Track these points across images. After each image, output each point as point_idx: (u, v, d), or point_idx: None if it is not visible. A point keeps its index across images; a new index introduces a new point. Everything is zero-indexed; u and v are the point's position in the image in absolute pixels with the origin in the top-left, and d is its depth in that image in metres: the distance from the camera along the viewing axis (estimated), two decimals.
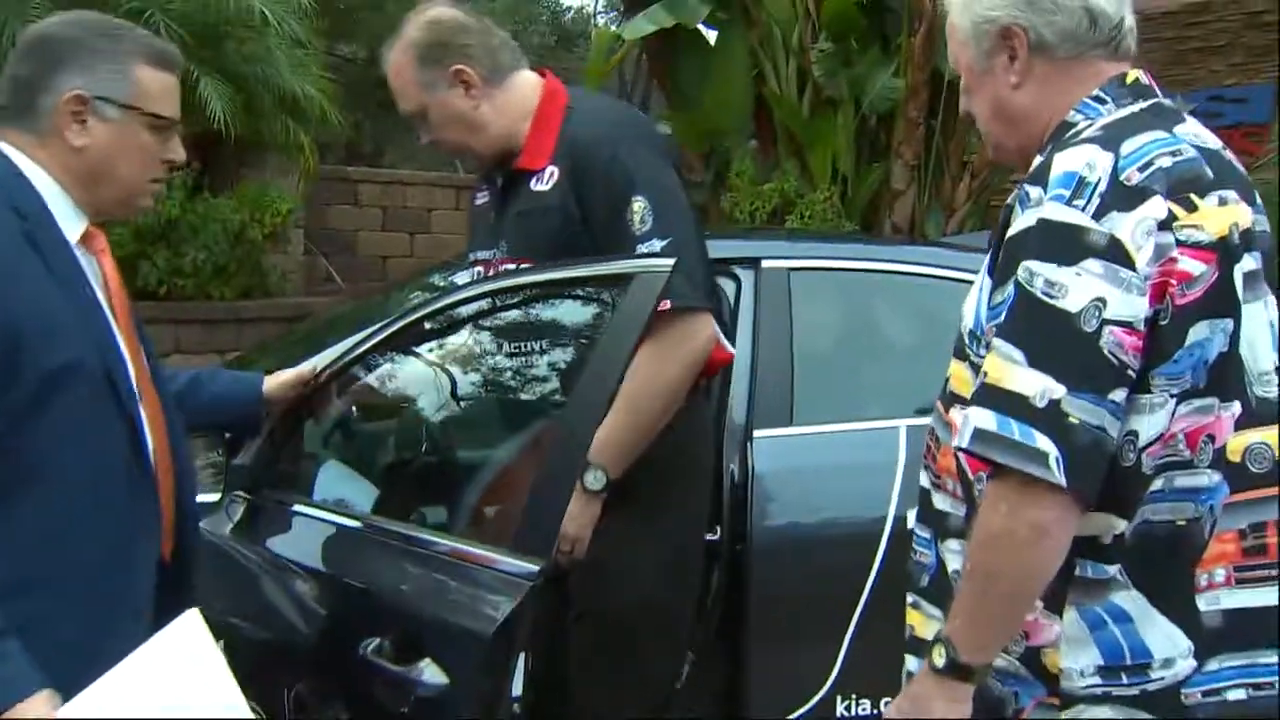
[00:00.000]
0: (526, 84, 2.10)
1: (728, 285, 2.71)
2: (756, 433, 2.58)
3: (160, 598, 1.61)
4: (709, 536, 2.52)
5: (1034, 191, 1.36)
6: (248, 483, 2.11)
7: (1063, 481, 1.27)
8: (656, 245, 1.91)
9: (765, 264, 2.73)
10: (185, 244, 6.10)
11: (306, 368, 2.10)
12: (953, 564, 1.47)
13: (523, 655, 1.53)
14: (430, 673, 1.50)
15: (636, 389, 1.89)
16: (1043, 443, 1.27)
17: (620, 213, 1.95)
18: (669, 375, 1.98)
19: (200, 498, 2.15)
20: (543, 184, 2.02)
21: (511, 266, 2.03)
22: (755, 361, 2.64)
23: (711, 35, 9.11)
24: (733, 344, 2.65)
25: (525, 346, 2.01)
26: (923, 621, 1.52)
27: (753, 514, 2.51)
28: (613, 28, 9.49)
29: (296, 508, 2.02)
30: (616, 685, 2.14)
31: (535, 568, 1.51)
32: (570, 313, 1.95)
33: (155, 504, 1.58)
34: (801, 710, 2.56)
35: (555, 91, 2.11)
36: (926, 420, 2.21)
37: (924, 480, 1.55)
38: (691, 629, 2.55)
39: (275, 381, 2.07)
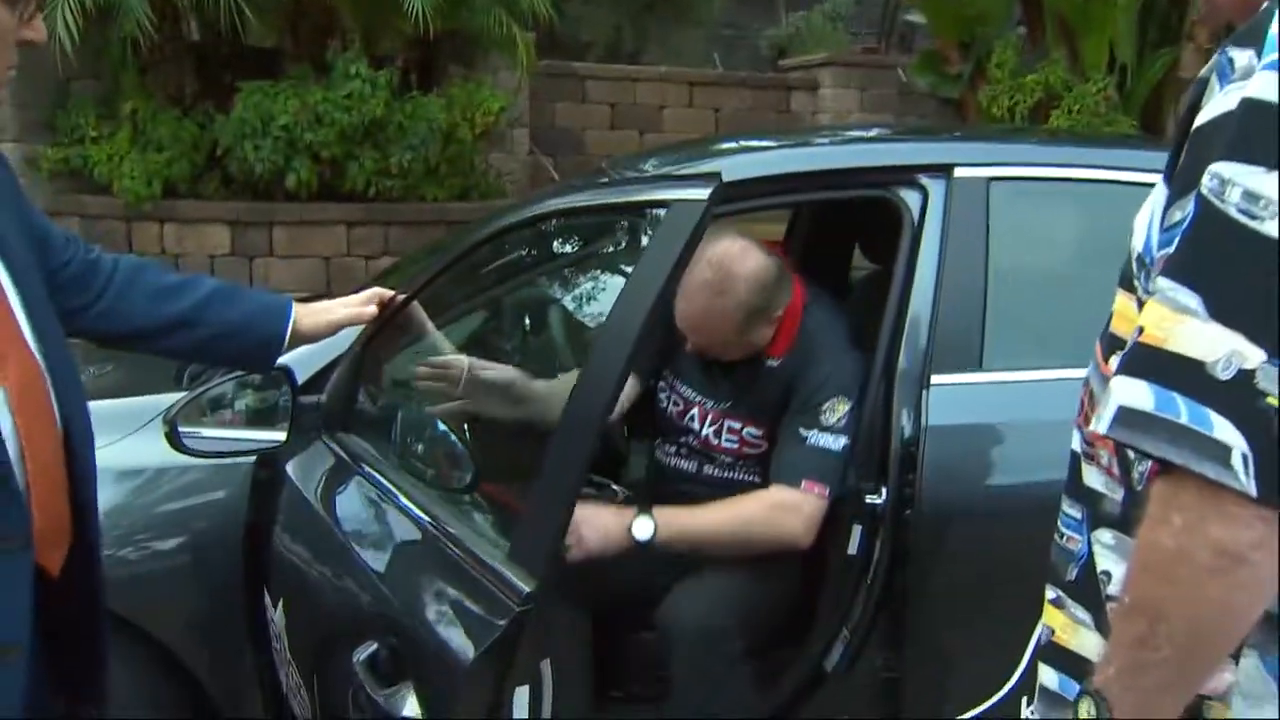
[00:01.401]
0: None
1: (911, 197, 2.28)
2: (935, 378, 2.16)
3: (55, 620, 1.32)
4: (873, 498, 2.16)
5: (1240, 56, 0.92)
6: (320, 424, 1.90)
7: (1251, 489, 0.86)
8: (840, 442, 2.18)
9: (959, 172, 2.27)
10: (392, 145, 6.05)
11: (363, 305, 1.80)
12: (1103, 562, 1.12)
13: (527, 689, 1.23)
14: (408, 704, 1.23)
15: (740, 523, 2.17)
16: (1223, 431, 0.87)
17: (821, 404, 2.20)
18: (768, 536, 2.17)
19: (262, 435, 2.00)
20: (774, 361, 2.29)
21: (736, 424, 2.33)
22: (939, 293, 2.21)
23: None
24: (914, 267, 2.24)
25: (559, 279, 1.73)
26: (1067, 625, 1.18)
27: (923, 475, 2.11)
28: None
29: (362, 464, 1.78)
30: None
31: (527, 588, 1.21)
32: (603, 244, 1.61)
33: (18, 506, 1.25)
34: (977, 710, 2.17)
35: (800, 292, 2.32)
36: None
37: (1075, 443, 1.19)
38: (846, 607, 2.22)
39: (316, 320, 1.73)
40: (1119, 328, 1.12)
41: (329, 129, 5.81)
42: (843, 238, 2.45)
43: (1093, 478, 1.15)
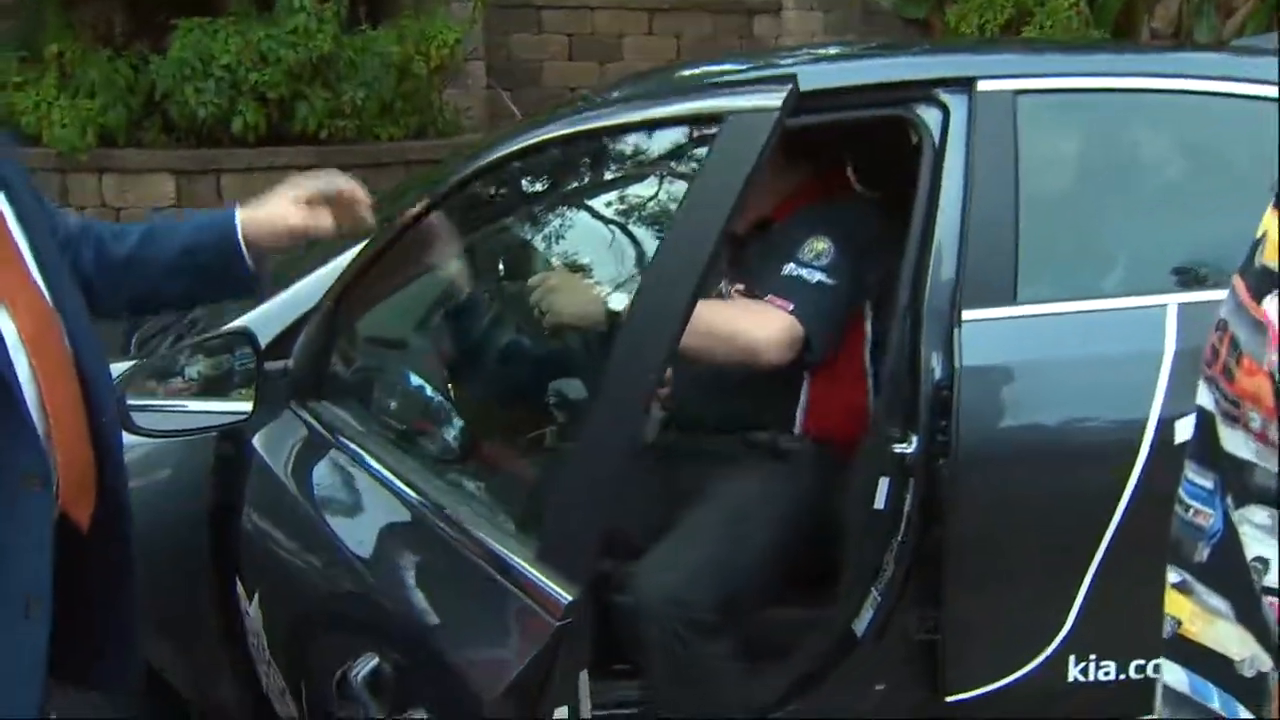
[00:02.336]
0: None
1: (930, 115, 2.09)
2: (966, 314, 1.98)
3: (83, 575, 1.25)
4: (901, 448, 1.98)
5: None
6: (290, 392, 1.69)
7: None
8: (815, 276, 2.14)
9: (982, 85, 2.08)
10: (343, 82, 5.73)
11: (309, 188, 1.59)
12: (1255, 546, 0.95)
13: (566, 708, 1.04)
14: None
15: (713, 319, 1.98)
16: None
17: (799, 245, 2.18)
18: (735, 335, 2.09)
19: (230, 406, 1.78)
20: (776, 225, 2.30)
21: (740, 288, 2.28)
22: (966, 220, 2.02)
23: None
24: (937, 193, 2.05)
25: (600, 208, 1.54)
26: (1197, 614, 1.01)
27: (958, 420, 1.94)
28: None
29: (340, 436, 1.57)
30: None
31: (568, 598, 1.01)
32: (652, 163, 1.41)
33: (37, 454, 1.20)
34: (1019, 673, 2.02)
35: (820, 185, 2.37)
36: (1203, 296, 1.60)
37: (1204, 398, 1.01)
38: (874, 567, 2.06)
39: (266, 226, 1.52)
40: (1274, 259, 0.93)
41: (275, 68, 5.48)
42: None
43: (1235, 442, 0.96)
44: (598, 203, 1.48)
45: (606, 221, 1.50)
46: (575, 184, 1.50)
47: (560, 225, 1.58)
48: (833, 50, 2.59)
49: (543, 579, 1.04)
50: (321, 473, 1.59)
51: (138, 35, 6.00)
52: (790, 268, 2.16)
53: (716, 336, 2.06)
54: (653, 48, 9.27)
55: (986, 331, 1.99)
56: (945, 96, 2.09)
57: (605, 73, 9.02)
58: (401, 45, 6.00)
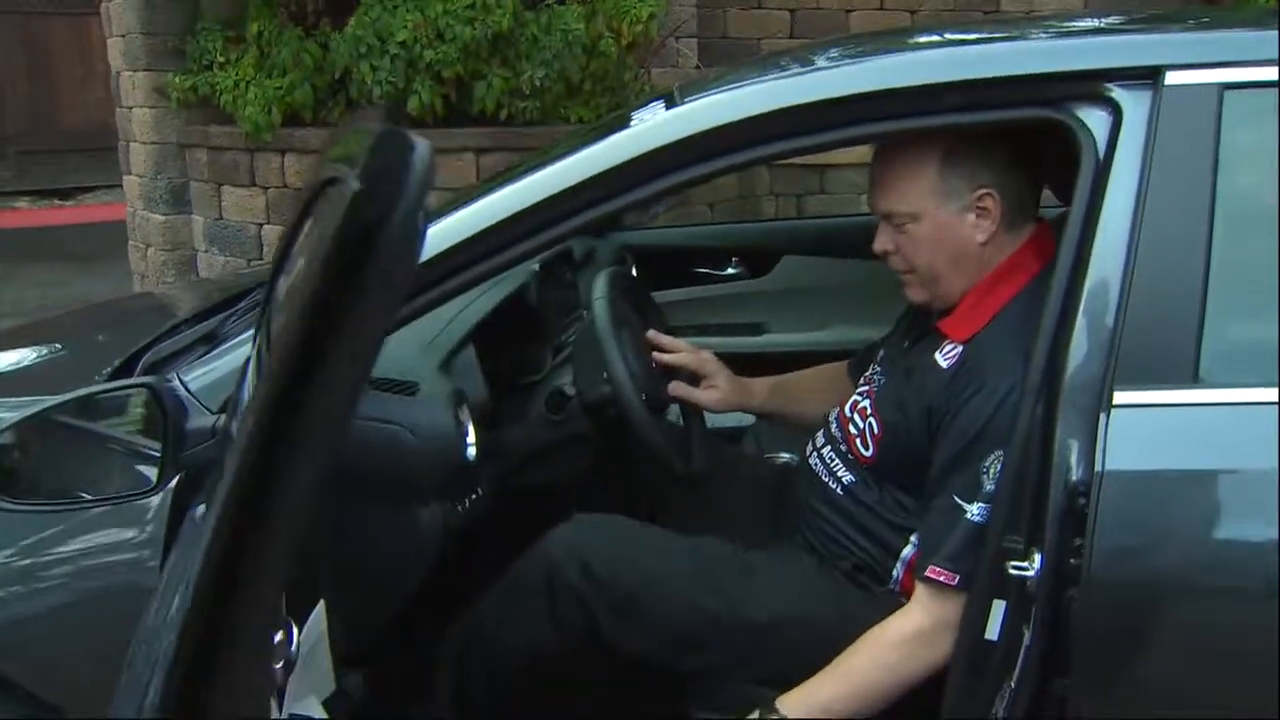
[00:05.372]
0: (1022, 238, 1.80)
1: (1093, 118, 1.58)
2: (1119, 396, 1.47)
3: None
4: (1020, 567, 1.51)
5: None
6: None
7: None
8: (978, 514, 1.63)
9: (1173, 77, 1.55)
10: (524, 61, 5.47)
11: None
12: None
13: None
14: None
15: (877, 666, 1.70)
16: None
17: (972, 456, 1.65)
18: (903, 666, 1.69)
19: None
20: (944, 359, 1.76)
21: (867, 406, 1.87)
22: (1132, 264, 1.51)
23: None
24: (1093, 225, 1.55)
25: None
26: None
27: (1095, 540, 1.45)
28: None
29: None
30: None
31: None
32: None
33: None
34: None
35: (1028, 262, 1.77)
36: None
37: None
38: (981, 712, 1.59)
39: None
40: None
41: (451, 45, 5.27)
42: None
43: None
44: None
45: None
46: None
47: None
48: (972, 34, 2.05)
49: None
50: None
51: (328, 13, 5.95)
52: (975, 511, 1.63)
53: (904, 674, 1.69)
54: (884, 24, 8.64)
55: (1148, 422, 1.46)
56: (1117, 92, 1.57)
57: None
58: (590, 22, 5.69)
